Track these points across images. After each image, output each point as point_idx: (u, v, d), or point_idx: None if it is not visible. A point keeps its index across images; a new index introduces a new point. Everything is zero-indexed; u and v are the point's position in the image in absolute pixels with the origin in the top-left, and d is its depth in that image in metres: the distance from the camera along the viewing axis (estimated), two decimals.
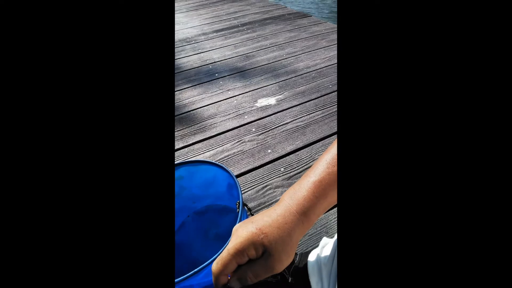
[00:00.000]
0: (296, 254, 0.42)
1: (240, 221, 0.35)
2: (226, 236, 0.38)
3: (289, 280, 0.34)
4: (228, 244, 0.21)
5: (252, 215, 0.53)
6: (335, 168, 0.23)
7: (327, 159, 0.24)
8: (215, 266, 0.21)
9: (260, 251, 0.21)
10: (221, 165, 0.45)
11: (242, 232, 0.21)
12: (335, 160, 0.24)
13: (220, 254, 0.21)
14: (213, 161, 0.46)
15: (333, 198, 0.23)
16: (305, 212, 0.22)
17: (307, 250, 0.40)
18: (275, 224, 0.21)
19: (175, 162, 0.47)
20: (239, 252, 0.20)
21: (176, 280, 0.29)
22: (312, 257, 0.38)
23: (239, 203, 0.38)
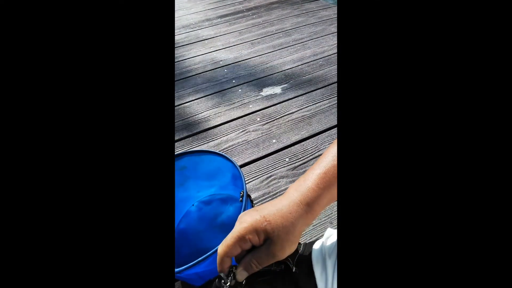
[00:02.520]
0: (300, 244, 0.42)
1: (244, 210, 0.35)
2: (230, 224, 0.38)
3: (293, 270, 0.34)
4: (233, 229, 0.22)
5: (253, 206, 0.53)
6: None
7: (333, 151, 0.25)
8: (220, 248, 0.22)
9: (262, 238, 0.22)
10: (225, 155, 0.44)
11: (246, 219, 0.22)
12: None
13: (225, 238, 0.22)
14: (217, 151, 0.46)
15: None
16: (309, 203, 0.22)
17: (312, 240, 0.40)
18: (279, 214, 0.22)
19: (179, 152, 0.47)
20: (242, 237, 0.21)
21: (182, 268, 0.30)
22: (316, 247, 0.38)
23: (243, 193, 0.37)
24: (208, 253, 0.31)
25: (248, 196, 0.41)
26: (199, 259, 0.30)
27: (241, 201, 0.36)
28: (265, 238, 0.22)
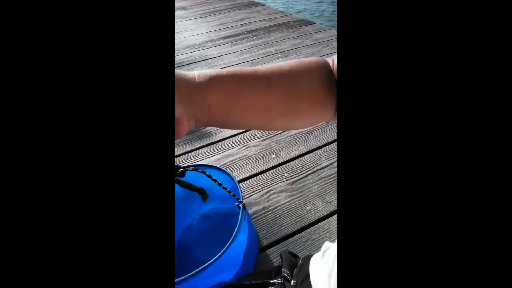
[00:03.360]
0: (298, 257, 0.43)
1: (241, 223, 0.37)
2: (230, 238, 0.40)
3: (291, 283, 0.35)
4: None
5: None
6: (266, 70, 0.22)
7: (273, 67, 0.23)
8: None
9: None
10: (223, 169, 0.47)
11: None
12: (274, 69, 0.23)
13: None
14: (216, 166, 0.48)
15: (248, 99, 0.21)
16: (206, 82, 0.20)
17: (310, 254, 0.41)
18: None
19: (181, 166, 0.49)
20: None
21: (178, 279, 0.31)
22: (314, 260, 0.39)
23: (238, 205, 0.39)
24: (204, 265, 0.32)
25: (244, 207, 0.42)
26: (196, 270, 0.31)
27: (239, 207, 0.38)
28: None
